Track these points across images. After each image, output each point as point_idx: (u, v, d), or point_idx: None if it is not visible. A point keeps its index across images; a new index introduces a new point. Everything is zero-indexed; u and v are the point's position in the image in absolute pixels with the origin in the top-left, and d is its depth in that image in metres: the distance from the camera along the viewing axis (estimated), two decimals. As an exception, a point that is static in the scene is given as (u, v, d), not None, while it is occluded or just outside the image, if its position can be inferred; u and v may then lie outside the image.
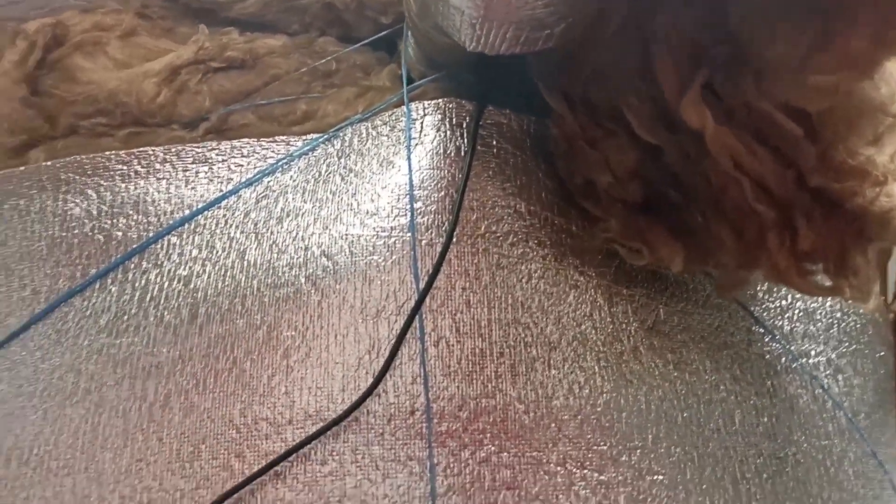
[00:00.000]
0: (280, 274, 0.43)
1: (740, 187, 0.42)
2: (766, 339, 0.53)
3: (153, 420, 0.41)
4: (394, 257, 0.42)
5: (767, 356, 0.52)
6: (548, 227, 0.46)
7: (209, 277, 0.44)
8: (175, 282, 0.44)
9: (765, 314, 0.54)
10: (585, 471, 0.42)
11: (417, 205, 0.43)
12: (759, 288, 0.55)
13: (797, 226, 0.43)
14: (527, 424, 0.41)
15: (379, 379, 0.39)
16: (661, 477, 0.44)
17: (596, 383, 0.44)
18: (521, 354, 0.42)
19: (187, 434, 0.40)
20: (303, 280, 0.43)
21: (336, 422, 0.39)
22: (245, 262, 0.44)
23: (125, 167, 0.47)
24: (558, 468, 0.41)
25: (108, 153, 0.48)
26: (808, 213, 0.43)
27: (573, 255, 0.46)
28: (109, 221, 0.46)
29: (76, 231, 0.47)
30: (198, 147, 0.48)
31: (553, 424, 0.42)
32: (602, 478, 0.42)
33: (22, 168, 0.49)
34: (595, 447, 0.42)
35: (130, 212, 0.46)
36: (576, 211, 0.47)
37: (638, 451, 0.44)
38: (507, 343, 0.42)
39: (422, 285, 0.41)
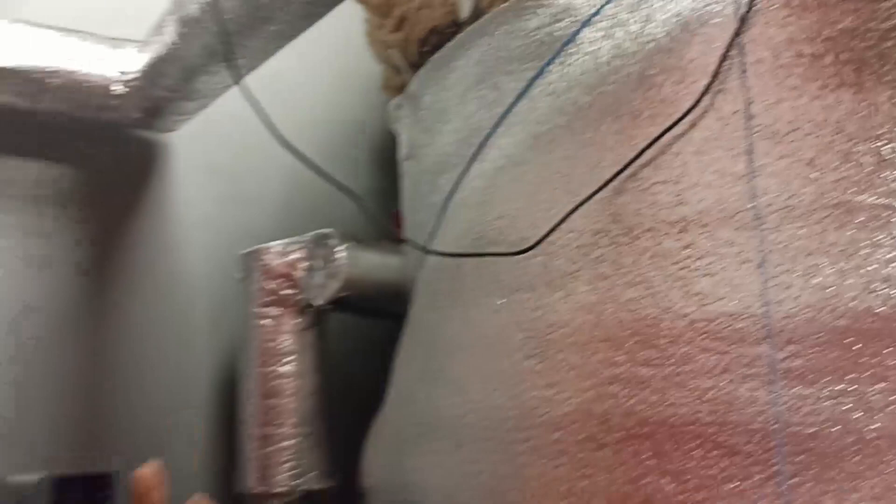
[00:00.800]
0: (647, 37, 0.61)
1: None
2: None
3: (548, 161, 0.64)
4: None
5: None
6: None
7: (605, 58, 0.64)
8: (585, 59, 0.65)
9: None
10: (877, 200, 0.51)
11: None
12: None
13: None
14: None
15: (707, 87, 0.55)
16: None
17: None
18: (830, 59, 0.53)
19: (577, 161, 0.62)
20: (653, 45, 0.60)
21: (676, 122, 0.56)
22: (615, 46, 0.63)
23: (561, -14, 0.70)
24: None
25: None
26: None
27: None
28: (550, 27, 0.69)
29: (534, 37, 0.71)
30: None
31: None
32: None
33: (505, 4, 0.75)
34: (877, 177, 0.51)
35: (562, 16, 0.69)
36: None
37: None
38: (817, 52, 0.53)
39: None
